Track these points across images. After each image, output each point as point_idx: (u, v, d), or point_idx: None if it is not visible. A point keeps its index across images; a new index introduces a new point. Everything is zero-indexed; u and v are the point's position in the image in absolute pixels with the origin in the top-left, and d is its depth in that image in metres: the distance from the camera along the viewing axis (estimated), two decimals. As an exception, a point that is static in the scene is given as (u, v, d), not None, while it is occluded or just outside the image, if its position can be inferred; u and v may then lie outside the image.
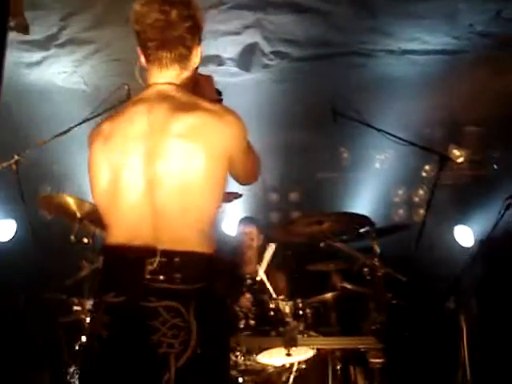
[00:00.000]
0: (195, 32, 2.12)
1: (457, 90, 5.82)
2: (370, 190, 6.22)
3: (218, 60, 5.45)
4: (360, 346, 3.78)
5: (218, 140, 2.00)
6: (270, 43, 5.19)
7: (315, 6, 4.59)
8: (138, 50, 2.16)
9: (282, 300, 3.84)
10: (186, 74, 2.15)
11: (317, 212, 4.14)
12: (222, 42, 5.11)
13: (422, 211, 6.31)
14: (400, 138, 4.62)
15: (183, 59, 2.12)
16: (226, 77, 5.63)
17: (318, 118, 4.94)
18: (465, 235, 5.96)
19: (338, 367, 3.95)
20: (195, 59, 2.17)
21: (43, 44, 5.11)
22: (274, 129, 5.98)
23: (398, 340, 4.40)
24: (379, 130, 4.50)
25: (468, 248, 5.88)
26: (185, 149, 1.97)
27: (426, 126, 6.38)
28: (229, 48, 5.28)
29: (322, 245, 3.92)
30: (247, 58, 5.46)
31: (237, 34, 5.06)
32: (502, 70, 5.59)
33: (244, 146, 2.11)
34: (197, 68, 2.22)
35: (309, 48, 5.18)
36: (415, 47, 5.20)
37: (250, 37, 5.13)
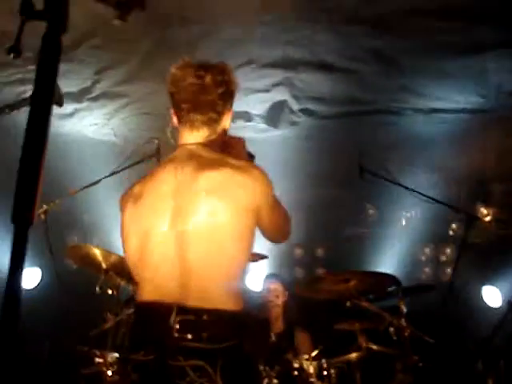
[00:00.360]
0: (227, 98, 2.18)
1: (485, 148, 5.81)
2: (396, 248, 6.17)
3: (246, 116, 5.53)
4: (386, 409, 3.67)
5: (244, 195, 2.01)
6: (298, 101, 5.27)
7: (343, 65, 4.66)
8: (171, 111, 2.21)
9: (307, 359, 3.76)
10: (215, 136, 2.19)
11: (343, 270, 4.08)
12: (251, 99, 5.20)
13: (448, 270, 6.23)
14: (428, 196, 4.60)
15: (213, 123, 2.17)
16: (254, 133, 5.70)
17: (344, 175, 4.96)
18: (492, 295, 5.85)
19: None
20: (225, 123, 2.23)
21: (77, 97, 5.24)
22: (301, 185, 6.00)
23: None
24: (407, 188, 4.49)
25: (496, 308, 5.76)
26: (211, 205, 1.98)
27: (453, 184, 6.35)
28: (258, 105, 5.37)
29: (348, 304, 3.87)
30: (275, 115, 5.53)
31: (266, 91, 5.14)
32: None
33: (270, 200, 2.12)
34: (226, 130, 2.26)
35: (336, 106, 5.24)
36: (444, 106, 5.22)
37: (279, 94, 5.22)
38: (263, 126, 5.69)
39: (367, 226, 6.58)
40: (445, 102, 5.13)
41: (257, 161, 2.26)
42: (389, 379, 3.85)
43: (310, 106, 5.29)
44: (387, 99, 5.13)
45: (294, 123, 5.62)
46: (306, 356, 3.81)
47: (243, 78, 4.76)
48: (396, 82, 4.82)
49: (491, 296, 5.86)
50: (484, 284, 6.03)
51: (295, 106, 5.35)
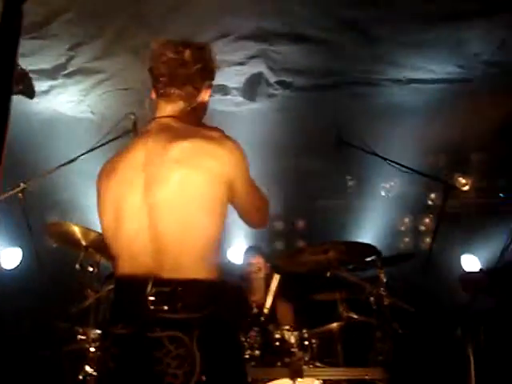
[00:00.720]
0: (206, 74, 2.21)
1: (462, 117, 5.83)
2: (375, 219, 6.20)
3: (223, 90, 5.50)
4: (366, 377, 3.72)
5: (216, 165, 2.01)
6: (274, 73, 5.24)
7: (319, 37, 4.64)
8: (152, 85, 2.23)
9: (288, 330, 3.79)
10: (190, 110, 2.20)
11: (322, 241, 4.10)
12: (227, 72, 5.16)
13: (427, 240, 6.28)
14: (405, 167, 4.62)
15: (190, 97, 2.19)
16: (231, 106, 5.67)
17: (322, 146, 4.96)
18: (471, 264, 5.92)
19: (344, 398, 3.89)
20: (203, 98, 2.24)
21: (51, 73, 5.17)
22: (279, 157, 6.00)
23: (405, 370, 4.34)
24: (385, 159, 4.50)
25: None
26: (183, 175, 1.99)
27: (431, 154, 6.38)
28: (234, 78, 5.34)
29: (328, 274, 3.89)
30: (252, 88, 5.51)
31: (242, 64, 5.11)
32: (507, 98, 5.61)
33: (245, 175, 2.12)
34: (205, 106, 2.28)
35: (313, 77, 5.22)
36: (420, 76, 5.23)
37: (255, 67, 5.19)
38: (240, 99, 5.66)
39: (346, 197, 6.61)
40: (421, 72, 5.14)
41: (235, 134, 2.26)
42: (369, 348, 3.90)
43: (287, 78, 5.27)
44: (364, 70, 5.12)
45: (270, 96, 5.60)
46: (288, 327, 3.84)
47: (219, 51, 4.70)
48: (372, 52, 4.81)
49: (470, 264, 5.93)
50: (463, 252, 6.10)
51: (272, 79, 5.33)
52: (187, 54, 2.14)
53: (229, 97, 5.62)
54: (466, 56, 4.94)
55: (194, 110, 2.19)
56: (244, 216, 2.24)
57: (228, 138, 2.12)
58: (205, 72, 2.20)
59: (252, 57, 5.04)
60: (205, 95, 2.24)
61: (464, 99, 5.48)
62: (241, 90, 5.58)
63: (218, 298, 2.01)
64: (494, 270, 3.95)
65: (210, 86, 2.26)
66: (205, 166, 2.00)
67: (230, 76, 5.27)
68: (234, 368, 2.04)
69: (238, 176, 2.08)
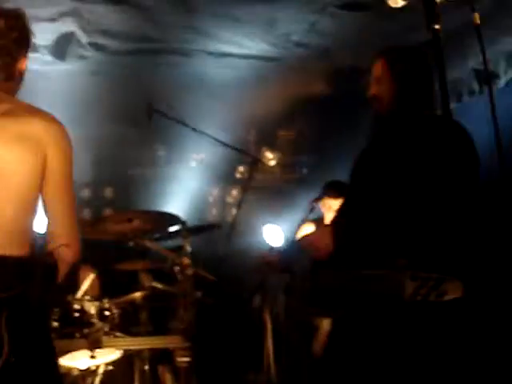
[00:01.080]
0: (22, 43, 2.20)
1: (271, 94, 6.04)
2: (184, 189, 6.24)
3: (32, 47, 5.13)
4: (167, 346, 3.76)
5: (33, 135, 1.98)
6: (87, 34, 5.00)
7: (136, 0, 4.49)
8: None
9: (88, 300, 3.70)
10: (11, 80, 2.17)
11: (128, 210, 4.05)
12: (36, 29, 4.76)
13: (234, 211, 6.46)
14: (215, 139, 4.71)
15: (8, 67, 2.14)
16: (39, 65, 5.33)
17: (133, 114, 4.87)
18: (275, 235, 6.16)
19: (146, 367, 3.90)
20: (21, 67, 2.21)
21: None
22: (88, 122, 5.76)
23: (207, 338, 4.46)
24: (194, 130, 4.54)
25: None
26: None
27: (241, 128, 6.53)
28: (43, 35, 5.00)
29: (131, 244, 3.86)
30: (62, 47, 5.21)
31: (52, 20, 4.80)
32: (313, 79, 5.91)
33: (65, 160, 2.06)
34: (23, 75, 2.25)
35: (127, 42, 5.06)
36: (234, 50, 5.30)
37: (67, 25, 4.90)
38: (49, 58, 5.33)
39: (156, 166, 6.56)
40: (235, 46, 5.21)
41: (42, 94, 2.21)
42: (172, 317, 3.94)
43: (100, 40, 5.05)
44: (177, 39, 5.06)
45: (82, 57, 5.34)
46: (88, 297, 3.75)
47: (27, 5, 4.38)
48: (187, 21, 4.75)
49: (274, 235, 6.17)
50: (267, 223, 6.35)
51: (84, 39, 5.08)
52: (2, 23, 2.11)
53: (37, 55, 5.26)
54: (278, 35, 5.08)
55: (10, 80, 2.15)
56: (51, 217, 2.10)
57: (53, 117, 2.10)
58: (21, 41, 2.19)
59: (64, 14, 4.75)
60: (22, 65, 2.20)
61: (274, 77, 5.67)
62: (50, 49, 5.26)
63: (27, 276, 1.95)
64: (285, 248, 4.19)
65: (27, 55, 2.23)
66: (17, 135, 1.96)
67: (40, 33, 4.91)
68: (43, 349, 2.01)
69: (55, 152, 2.03)
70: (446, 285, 1.80)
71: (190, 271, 3.83)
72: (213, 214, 6.69)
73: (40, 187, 2.01)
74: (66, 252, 2.11)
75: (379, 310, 2.06)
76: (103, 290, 3.84)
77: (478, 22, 1.56)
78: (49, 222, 2.10)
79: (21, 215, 1.98)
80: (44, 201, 2.07)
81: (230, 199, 6.75)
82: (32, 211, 2.03)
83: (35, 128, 1.99)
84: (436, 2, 1.53)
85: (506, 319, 2.49)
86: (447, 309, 1.85)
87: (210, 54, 5.30)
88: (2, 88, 2.12)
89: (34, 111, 2.06)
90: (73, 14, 4.74)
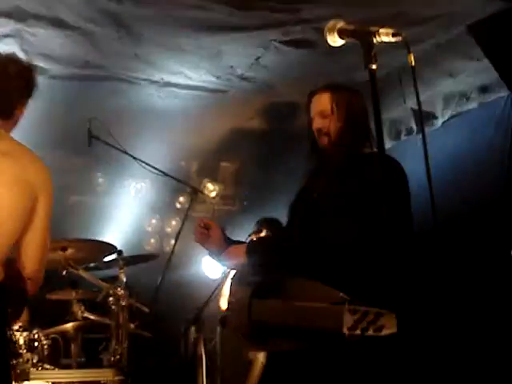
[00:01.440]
0: (25, 92, 2.40)
1: (215, 126, 6.06)
2: (123, 218, 6.15)
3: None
4: (98, 379, 3.66)
5: (25, 173, 2.16)
6: (28, 56, 4.89)
7: (78, 25, 4.44)
8: None
9: (17, 331, 3.58)
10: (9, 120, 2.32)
11: (61, 238, 3.96)
12: (-24, 50, 4.70)
13: (172, 241, 6.40)
14: (156, 168, 4.69)
15: (5, 111, 2.32)
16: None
17: (74, 140, 4.80)
18: (212, 267, 6.11)
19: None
20: (17, 115, 2.38)
21: None
22: (30, 148, 5.63)
23: (142, 370, 4.37)
24: (135, 159, 4.52)
25: (214, 280, 6.05)
26: None
27: (184, 158, 6.53)
28: (-17, 55, 4.88)
29: (64, 273, 3.78)
30: (2, 70, 5.09)
31: (-7, 41, 4.71)
32: (256, 112, 5.96)
33: (50, 197, 2.22)
34: (17, 121, 2.43)
35: (69, 67, 4.98)
36: (178, 81, 5.29)
37: (7, 46, 4.80)
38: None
39: (95, 194, 6.45)
40: (179, 76, 5.20)
41: None
42: (104, 348, 3.85)
43: (41, 63, 4.95)
44: (121, 66, 5.01)
45: (22, 81, 5.24)
46: (17, 327, 3.63)
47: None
48: (131, 50, 4.72)
49: (210, 267, 6.12)
50: (206, 255, 6.29)
51: (24, 62, 4.99)
52: (13, 69, 2.31)
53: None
54: (222, 67, 5.12)
55: (5, 123, 2.32)
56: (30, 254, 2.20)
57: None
58: (25, 90, 2.39)
59: (6, 35, 4.67)
60: (19, 111, 2.39)
61: (218, 108, 5.68)
62: (-10, 71, 5.13)
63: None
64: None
65: (26, 103, 2.43)
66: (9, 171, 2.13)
67: (-21, 53, 4.81)
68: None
69: (43, 194, 2.18)
70: (384, 319, 1.82)
71: (124, 302, 3.76)
72: (151, 244, 6.60)
73: (26, 226, 2.14)
74: (30, 284, 2.23)
75: (316, 344, 2.05)
76: (33, 320, 3.73)
77: (413, 63, 1.60)
78: (21, 252, 2.20)
79: (5, 249, 2.10)
80: (22, 235, 2.18)
81: (168, 229, 6.69)
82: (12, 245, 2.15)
83: (30, 172, 2.17)
84: (373, 44, 1.57)
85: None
86: (383, 344, 1.86)
87: (154, 82, 5.27)
88: (2, 126, 2.30)
89: (27, 153, 2.26)
90: (14, 35, 4.66)
